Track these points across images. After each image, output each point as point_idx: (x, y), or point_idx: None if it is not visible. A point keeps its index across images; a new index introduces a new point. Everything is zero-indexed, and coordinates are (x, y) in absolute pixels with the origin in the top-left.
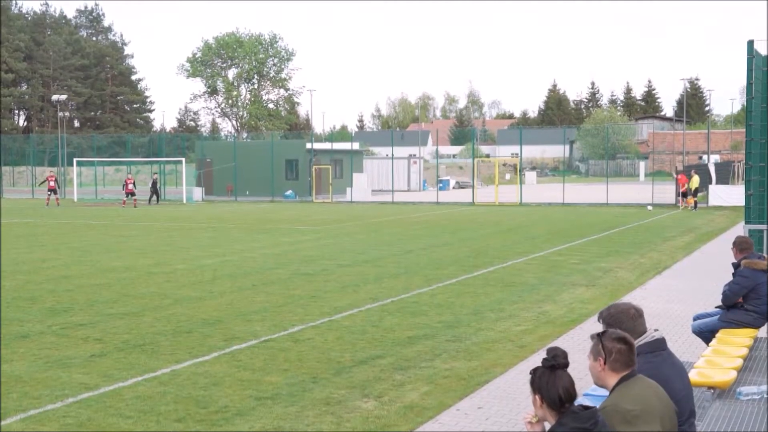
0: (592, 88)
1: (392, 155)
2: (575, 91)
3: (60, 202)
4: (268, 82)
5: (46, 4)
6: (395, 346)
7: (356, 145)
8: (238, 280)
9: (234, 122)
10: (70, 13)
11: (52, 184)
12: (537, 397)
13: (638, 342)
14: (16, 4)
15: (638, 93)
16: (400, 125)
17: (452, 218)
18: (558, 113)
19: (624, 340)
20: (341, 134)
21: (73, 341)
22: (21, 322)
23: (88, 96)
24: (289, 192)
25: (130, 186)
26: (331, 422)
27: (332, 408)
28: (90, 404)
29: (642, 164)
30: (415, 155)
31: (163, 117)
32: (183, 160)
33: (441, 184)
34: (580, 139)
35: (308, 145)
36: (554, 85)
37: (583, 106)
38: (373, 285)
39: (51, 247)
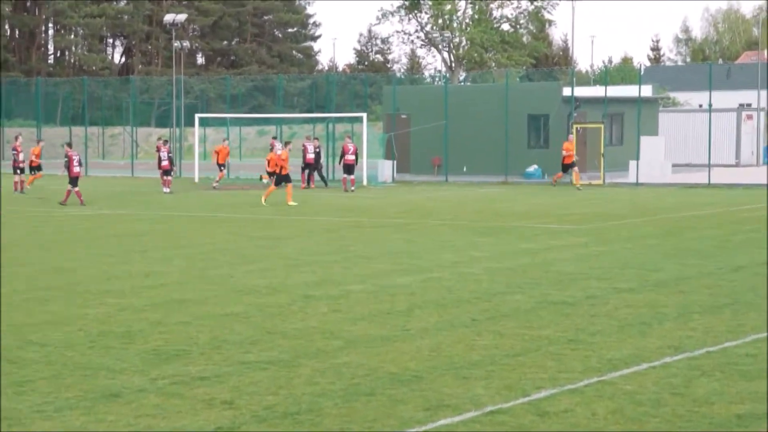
0: None
1: (710, 105)
2: None
3: (172, 185)
4: None
5: None
6: (715, 430)
7: (647, 90)
8: (449, 312)
9: (446, 55)
10: None
11: (165, 163)
12: None
13: None
14: None
15: None
16: (725, 54)
17: None
18: None
19: None
20: (621, 71)
21: (190, 404)
22: (110, 372)
23: (218, 15)
24: (532, 168)
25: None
26: None
27: None
28: None
29: None
30: (750, 105)
31: (334, 48)
32: (364, 116)
33: None
34: None
35: (565, 91)
36: None
37: None
38: (674, 323)
39: (157, 255)
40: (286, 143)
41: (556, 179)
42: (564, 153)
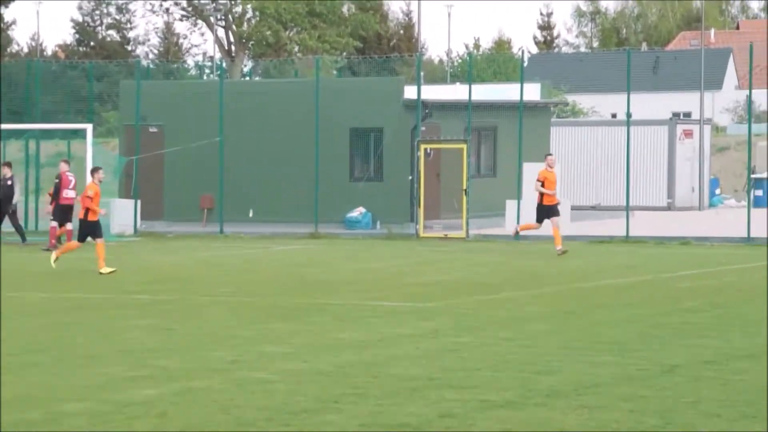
0: None
1: (627, 114)
2: None
3: None
4: None
5: None
6: None
7: (533, 91)
8: None
9: (222, 33)
10: None
11: None
12: None
13: None
14: None
15: None
16: (651, 37)
17: None
18: None
19: None
20: (494, 61)
21: None
22: None
23: None
24: (357, 213)
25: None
26: None
27: None
28: None
29: None
30: (689, 114)
31: (38, 18)
32: (88, 128)
33: (760, 191)
34: None
35: (408, 92)
36: None
37: None
38: None
39: None
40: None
41: (521, 230)
42: (538, 187)
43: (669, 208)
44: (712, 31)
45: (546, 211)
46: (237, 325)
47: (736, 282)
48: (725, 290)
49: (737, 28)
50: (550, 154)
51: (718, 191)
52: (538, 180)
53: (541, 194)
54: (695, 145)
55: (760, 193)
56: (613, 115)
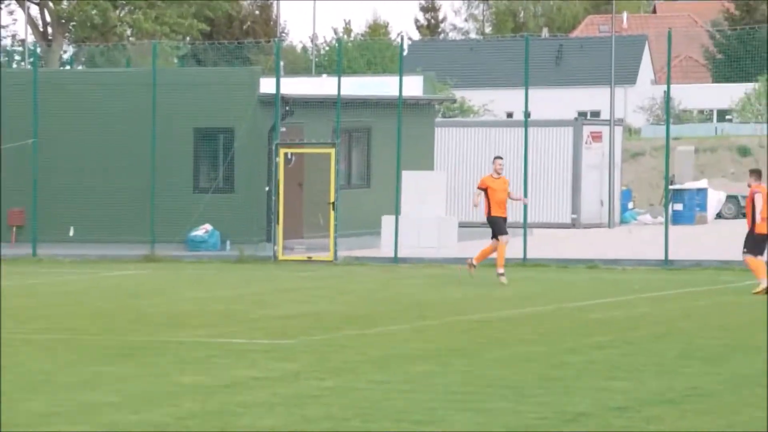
0: None
1: (525, 114)
2: None
3: None
4: None
5: None
6: None
7: (414, 85)
8: None
9: (37, 12)
10: None
11: None
12: None
13: None
14: None
15: None
16: (552, 21)
17: (716, 313)
18: None
19: None
20: (369, 49)
21: None
22: None
23: None
24: (202, 231)
25: None
26: None
27: None
28: None
29: None
30: (597, 114)
31: None
32: None
33: (679, 205)
34: None
35: (265, 85)
36: None
37: None
38: None
39: None
40: None
41: (502, 268)
42: (475, 199)
43: (573, 225)
44: (625, 14)
45: (504, 221)
46: (53, 368)
47: (652, 313)
48: (639, 323)
49: (654, 11)
50: (499, 158)
51: (630, 205)
52: (478, 188)
53: (488, 206)
54: (604, 150)
55: (679, 207)
56: (509, 115)
